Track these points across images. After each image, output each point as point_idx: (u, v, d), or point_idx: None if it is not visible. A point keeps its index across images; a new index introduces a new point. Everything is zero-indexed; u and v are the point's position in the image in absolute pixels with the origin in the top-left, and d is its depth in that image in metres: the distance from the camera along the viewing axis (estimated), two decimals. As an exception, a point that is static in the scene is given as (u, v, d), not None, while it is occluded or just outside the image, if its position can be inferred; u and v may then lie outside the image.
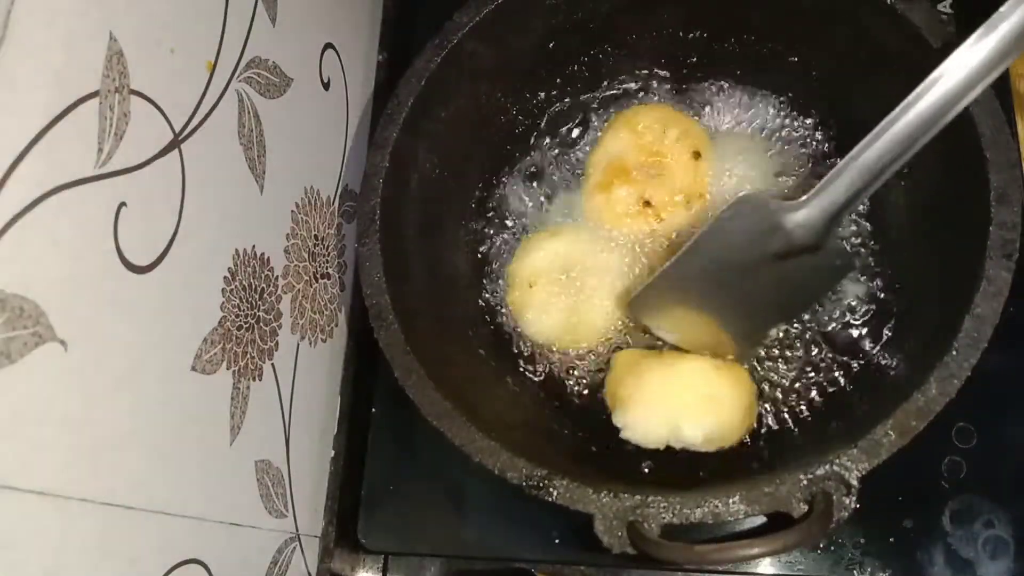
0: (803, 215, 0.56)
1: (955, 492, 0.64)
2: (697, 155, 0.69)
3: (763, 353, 0.65)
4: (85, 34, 0.40)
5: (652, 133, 0.70)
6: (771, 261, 0.59)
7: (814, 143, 0.70)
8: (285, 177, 0.62)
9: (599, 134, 0.73)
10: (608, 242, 0.70)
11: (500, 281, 0.72)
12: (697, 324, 0.63)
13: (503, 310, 0.71)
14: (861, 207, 0.66)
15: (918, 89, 0.52)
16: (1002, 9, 0.49)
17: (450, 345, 0.66)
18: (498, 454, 0.55)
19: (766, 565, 0.64)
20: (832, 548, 0.64)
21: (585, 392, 0.67)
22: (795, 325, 0.66)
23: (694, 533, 0.55)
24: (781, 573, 0.64)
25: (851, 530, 0.63)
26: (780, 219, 0.57)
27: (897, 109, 0.52)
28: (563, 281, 0.69)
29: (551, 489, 0.53)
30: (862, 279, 0.66)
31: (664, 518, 0.52)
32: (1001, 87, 0.64)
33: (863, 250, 0.66)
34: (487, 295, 0.71)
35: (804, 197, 0.56)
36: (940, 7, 0.73)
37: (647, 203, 0.69)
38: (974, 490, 0.64)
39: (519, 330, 0.70)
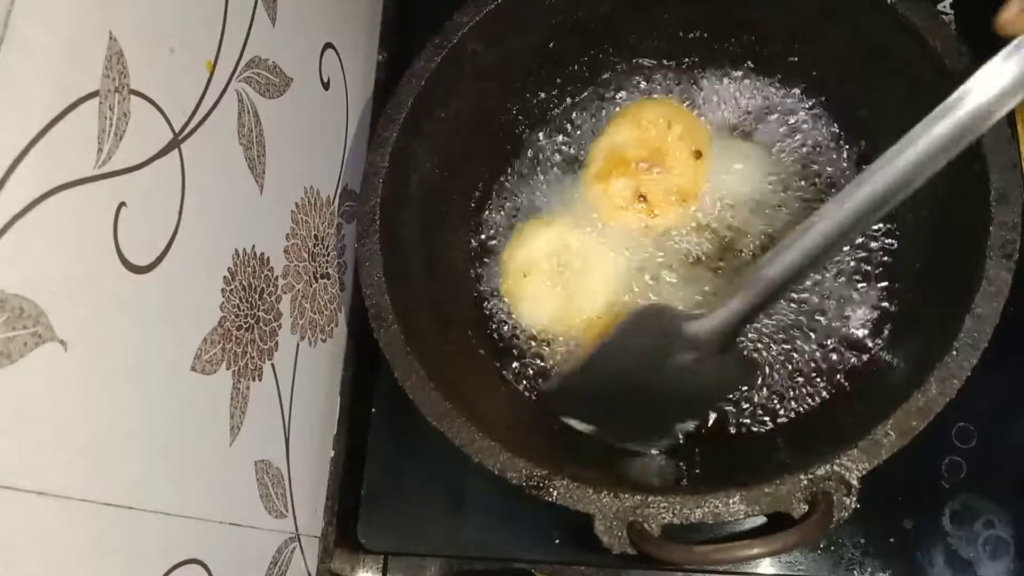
0: (704, 326, 0.59)
1: (955, 492, 0.64)
2: (698, 154, 0.69)
3: (764, 353, 0.65)
4: (85, 34, 0.40)
5: (656, 128, 0.70)
6: (678, 363, 0.61)
7: (814, 142, 0.70)
8: (285, 177, 0.62)
9: (600, 131, 0.73)
10: (601, 232, 0.70)
11: (499, 280, 0.71)
12: (610, 418, 0.64)
13: (502, 308, 0.71)
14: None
15: (826, 205, 0.52)
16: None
17: (450, 345, 0.66)
18: (498, 454, 0.55)
19: (766, 565, 0.64)
20: (832, 548, 0.64)
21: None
22: (797, 325, 0.66)
23: (694, 534, 0.55)
24: (781, 573, 0.64)
25: (851, 530, 0.63)
26: (683, 328, 0.59)
27: (800, 227, 0.53)
28: (557, 270, 0.69)
29: (551, 489, 0.53)
30: (863, 278, 0.66)
31: (664, 518, 0.52)
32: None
33: (864, 252, 0.66)
34: (487, 295, 0.71)
35: (703, 311, 0.59)
36: (940, 7, 0.74)
37: (642, 197, 0.69)
38: (974, 490, 0.64)
39: (516, 325, 0.70)
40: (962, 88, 0.48)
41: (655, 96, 0.74)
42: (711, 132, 0.72)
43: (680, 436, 0.63)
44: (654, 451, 0.63)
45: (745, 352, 0.65)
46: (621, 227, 0.70)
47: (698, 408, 0.64)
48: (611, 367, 0.62)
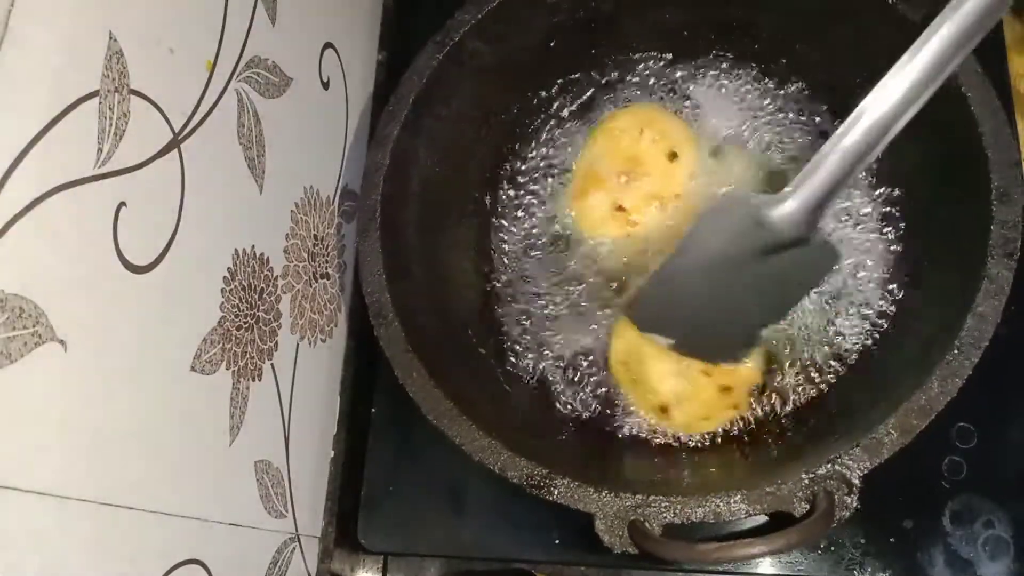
0: (786, 208, 0.55)
1: (955, 492, 0.64)
2: (673, 156, 0.69)
3: (763, 353, 0.65)
4: (85, 34, 0.40)
5: (629, 137, 0.70)
6: (757, 258, 0.57)
7: (813, 142, 0.70)
8: (284, 177, 0.62)
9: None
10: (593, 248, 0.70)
11: (499, 281, 0.71)
12: (690, 328, 0.63)
13: (503, 307, 0.70)
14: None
15: (893, 69, 0.50)
16: None
17: (450, 344, 0.66)
18: (499, 453, 0.55)
19: (766, 566, 0.64)
20: (832, 548, 0.64)
21: (585, 391, 0.67)
22: (797, 325, 0.66)
23: (695, 533, 0.55)
24: (781, 574, 0.64)
25: (851, 530, 0.63)
26: (763, 214, 0.55)
27: (875, 89, 0.50)
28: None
29: (552, 488, 0.53)
30: (865, 277, 0.66)
31: (665, 517, 0.52)
32: (1001, 87, 0.64)
33: (865, 250, 0.66)
34: (488, 294, 0.71)
35: (786, 190, 0.55)
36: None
37: (620, 208, 0.69)
38: (974, 490, 0.64)
39: (516, 323, 0.70)
40: None
41: (631, 104, 0.73)
42: (695, 131, 0.71)
43: (761, 340, 0.61)
44: (738, 362, 0.61)
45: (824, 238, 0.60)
46: (607, 239, 0.70)
47: (782, 305, 0.61)
48: (689, 270, 0.59)
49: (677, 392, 0.64)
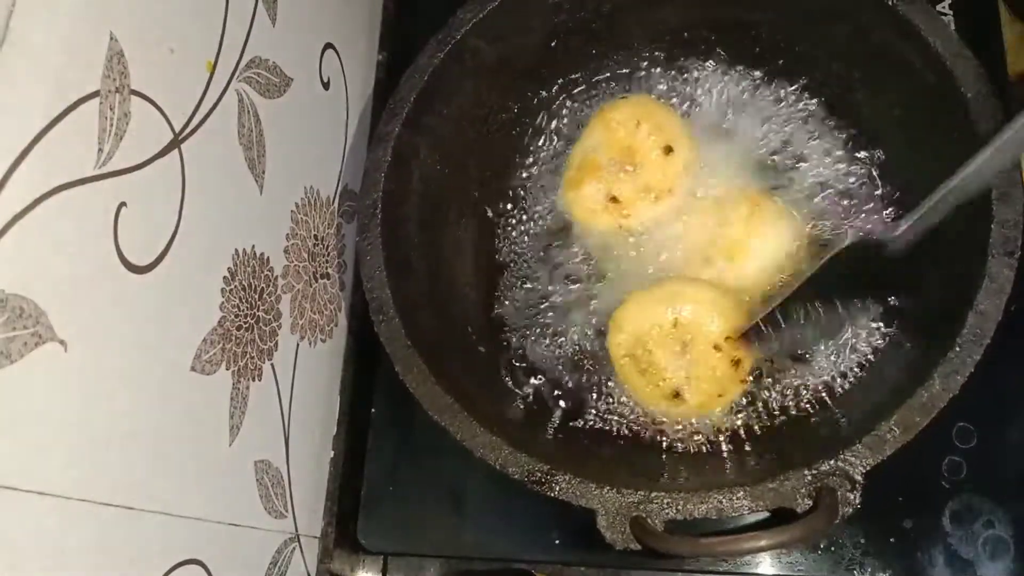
0: (900, 241, 0.58)
1: (955, 492, 0.64)
2: (668, 150, 0.69)
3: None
4: (85, 34, 0.40)
5: (625, 128, 0.70)
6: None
7: (814, 141, 0.70)
8: (285, 177, 0.62)
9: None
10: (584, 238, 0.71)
11: (499, 278, 0.71)
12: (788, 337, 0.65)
13: (502, 306, 0.70)
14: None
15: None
16: None
17: (450, 341, 0.66)
18: (500, 449, 0.55)
19: (767, 566, 0.64)
20: (832, 548, 0.64)
21: (586, 388, 0.67)
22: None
23: (696, 531, 0.55)
24: (782, 574, 0.64)
25: (851, 530, 0.63)
26: (883, 251, 0.59)
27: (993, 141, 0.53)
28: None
29: (554, 484, 0.53)
30: (866, 275, 0.66)
31: (668, 514, 0.52)
32: (1001, 87, 0.64)
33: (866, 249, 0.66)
34: (487, 292, 0.71)
35: (905, 225, 0.58)
36: (940, 7, 0.74)
37: (613, 199, 0.69)
38: (974, 490, 0.64)
39: (517, 323, 0.70)
40: None
41: (628, 96, 0.73)
42: (692, 127, 0.71)
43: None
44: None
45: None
46: (598, 229, 0.70)
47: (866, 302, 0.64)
48: (807, 296, 0.62)
49: (690, 373, 0.64)
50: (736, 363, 0.64)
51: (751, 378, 0.65)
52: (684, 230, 0.69)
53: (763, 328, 0.63)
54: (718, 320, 0.64)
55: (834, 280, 0.61)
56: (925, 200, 0.56)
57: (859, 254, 0.60)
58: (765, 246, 0.67)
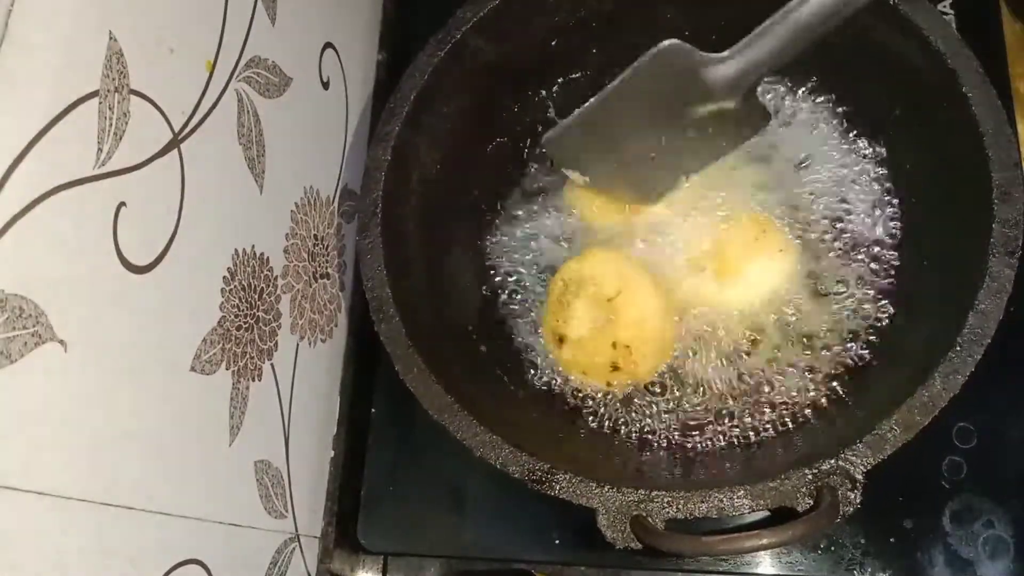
0: (726, 69, 0.56)
1: (955, 492, 0.64)
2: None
3: (767, 352, 0.65)
4: (85, 34, 0.40)
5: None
6: (687, 109, 0.58)
7: (814, 140, 0.70)
8: (284, 177, 0.62)
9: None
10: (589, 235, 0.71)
11: (499, 278, 0.71)
12: (608, 167, 0.63)
13: (503, 305, 0.70)
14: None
15: None
16: None
17: (450, 341, 0.66)
18: (500, 448, 0.55)
19: (767, 565, 0.64)
20: (832, 548, 0.64)
21: (585, 389, 0.67)
22: (799, 324, 0.65)
23: (696, 531, 0.55)
24: (782, 573, 0.64)
25: (851, 530, 0.63)
26: (702, 70, 0.57)
27: None
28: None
29: (554, 483, 0.53)
30: (868, 274, 0.66)
31: (668, 513, 0.52)
32: (1001, 87, 0.64)
33: (867, 249, 0.66)
34: (488, 291, 0.71)
35: (728, 52, 0.56)
36: (941, 7, 0.74)
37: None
38: (974, 490, 0.64)
39: (515, 322, 0.70)
40: None
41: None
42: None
43: (685, 185, 0.62)
44: (653, 204, 0.62)
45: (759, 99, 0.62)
46: (606, 226, 0.70)
47: (706, 157, 0.62)
48: (618, 110, 0.60)
49: (580, 335, 0.65)
50: (614, 367, 0.64)
51: (626, 392, 0.65)
52: (691, 230, 0.69)
53: (575, 144, 0.62)
54: (639, 331, 0.64)
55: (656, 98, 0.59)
56: (753, 33, 0.55)
57: (684, 77, 0.58)
58: (762, 273, 0.66)
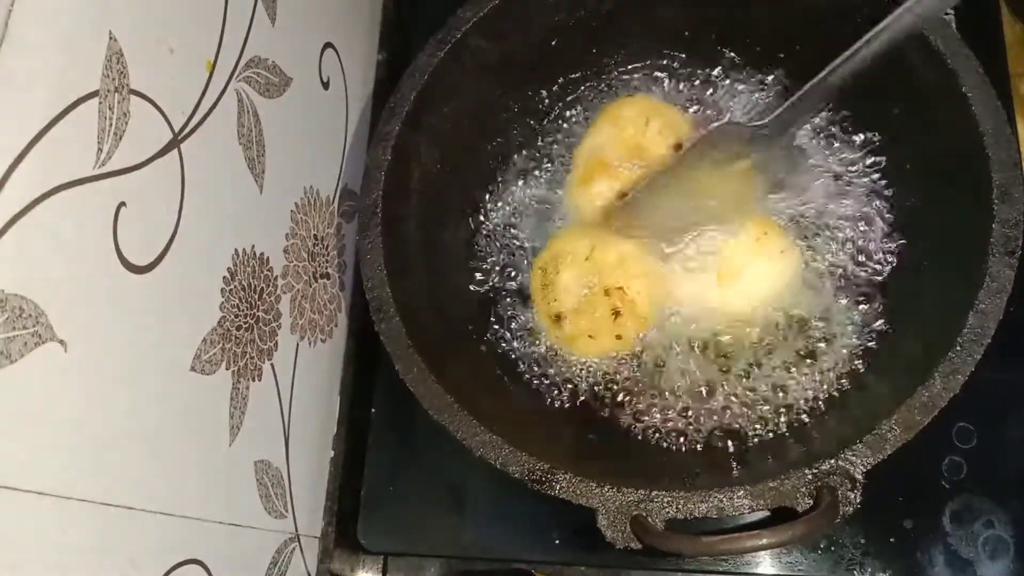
0: (770, 132, 0.61)
1: (955, 492, 0.64)
2: (678, 147, 0.69)
3: (767, 352, 0.65)
4: (85, 34, 0.40)
5: (634, 126, 0.70)
6: (735, 168, 0.63)
7: (814, 140, 0.70)
8: (284, 177, 0.62)
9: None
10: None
11: (500, 278, 0.71)
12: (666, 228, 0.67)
13: (503, 305, 0.70)
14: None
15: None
16: None
17: (450, 340, 0.66)
18: (500, 448, 0.55)
19: (767, 565, 0.64)
20: (832, 548, 0.64)
21: (586, 389, 0.67)
22: (799, 324, 0.66)
23: (696, 531, 0.55)
24: (782, 573, 0.64)
25: (851, 530, 0.63)
26: (748, 138, 0.61)
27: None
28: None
29: (554, 483, 0.53)
30: (868, 274, 0.66)
31: (668, 513, 0.52)
32: (1001, 87, 0.64)
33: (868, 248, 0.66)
34: (487, 292, 0.71)
35: (770, 119, 0.60)
36: (940, 7, 0.74)
37: (623, 195, 0.69)
38: (974, 490, 0.64)
39: (516, 321, 0.70)
40: None
41: (634, 95, 0.73)
42: (694, 127, 0.71)
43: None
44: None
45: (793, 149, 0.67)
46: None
47: (748, 206, 0.66)
48: (678, 182, 0.64)
49: (577, 305, 0.66)
50: (616, 313, 0.65)
51: (640, 336, 0.67)
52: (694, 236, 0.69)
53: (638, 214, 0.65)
54: (624, 270, 0.66)
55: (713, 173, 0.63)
56: (793, 96, 0.59)
57: (729, 142, 0.62)
58: (764, 274, 0.67)
